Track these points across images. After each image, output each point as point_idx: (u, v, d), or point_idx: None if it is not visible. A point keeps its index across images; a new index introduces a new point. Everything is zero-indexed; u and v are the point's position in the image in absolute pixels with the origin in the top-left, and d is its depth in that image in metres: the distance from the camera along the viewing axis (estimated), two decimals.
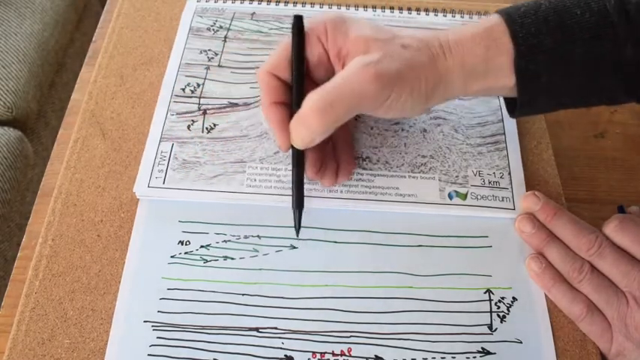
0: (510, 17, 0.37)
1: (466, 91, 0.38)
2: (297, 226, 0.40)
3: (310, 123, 0.35)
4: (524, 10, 0.37)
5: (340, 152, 0.41)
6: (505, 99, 0.42)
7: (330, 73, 0.39)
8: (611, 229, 0.37)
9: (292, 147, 0.38)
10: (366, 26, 0.38)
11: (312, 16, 0.39)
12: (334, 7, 0.54)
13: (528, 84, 0.37)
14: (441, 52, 0.37)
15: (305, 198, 0.41)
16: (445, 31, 0.38)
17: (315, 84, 0.38)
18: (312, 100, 0.34)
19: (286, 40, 0.39)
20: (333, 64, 0.39)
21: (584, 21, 0.35)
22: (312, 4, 0.54)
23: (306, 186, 0.42)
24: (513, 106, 0.39)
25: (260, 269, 0.39)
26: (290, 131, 0.36)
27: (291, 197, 0.39)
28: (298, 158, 0.38)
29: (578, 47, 0.36)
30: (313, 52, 0.38)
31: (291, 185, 0.39)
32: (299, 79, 0.38)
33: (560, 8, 0.36)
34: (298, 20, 0.39)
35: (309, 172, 0.39)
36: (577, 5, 0.36)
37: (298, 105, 0.36)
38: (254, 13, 0.53)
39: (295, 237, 0.40)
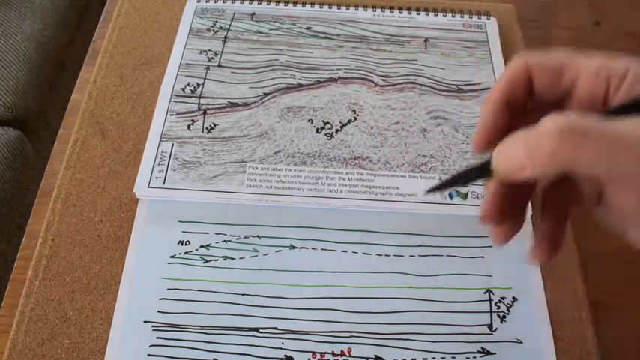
0: None
1: None
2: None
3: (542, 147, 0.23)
4: None
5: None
6: None
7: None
8: None
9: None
10: None
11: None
12: (334, 8, 0.54)
13: None
14: None
15: (305, 198, 0.40)
16: None
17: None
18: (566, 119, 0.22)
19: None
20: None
21: None
22: (312, 4, 0.54)
23: (305, 186, 0.42)
24: None
25: (260, 269, 0.39)
26: (500, 146, 0.25)
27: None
28: (482, 169, 0.26)
29: None
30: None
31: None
32: None
33: None
34: None
35: (483, 207, 0.27)
36: None
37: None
38: (254, 13, 0.53)
39: (296, 237, 0.40)
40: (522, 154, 0.24)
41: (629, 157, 0.22)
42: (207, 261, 0.39)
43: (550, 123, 0.23)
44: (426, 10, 0.54)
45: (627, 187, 0.23)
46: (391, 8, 0.54)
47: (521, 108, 0.28)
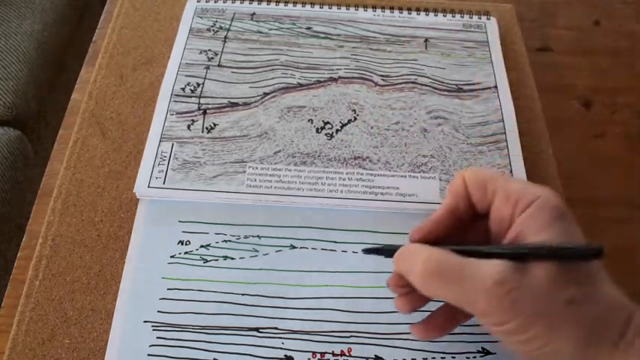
0: None
1: None
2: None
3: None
4: None
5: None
6: None
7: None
8: None
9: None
10: None
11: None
12: (334, 8, 0.54)
13: None
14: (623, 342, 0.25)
15: (305, 198, 0.40)
16: None
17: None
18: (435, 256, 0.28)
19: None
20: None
21: None
22: (312, 4, 0.54)
23: (305, 186, 0.42)
24: None
25: (260, 269, 0.39)
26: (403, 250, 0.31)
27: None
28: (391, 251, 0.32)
29: None
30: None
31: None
32: None
33: None
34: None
35: (389, 277, 0.33)
36: None
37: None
38: (254, 13, 0.53)
39: (296, 237, 0.40)
40: (407, 272, 0.29)
41: (482, 299, 0.25)
42: (207, 261, 0.39)
43: (419, 263, 0.28)
44: (426, 10, 0.54)
45: (483, 320, 0.27)
46: (391, 8, 0.54)
47: (467, 216, 0.32)
